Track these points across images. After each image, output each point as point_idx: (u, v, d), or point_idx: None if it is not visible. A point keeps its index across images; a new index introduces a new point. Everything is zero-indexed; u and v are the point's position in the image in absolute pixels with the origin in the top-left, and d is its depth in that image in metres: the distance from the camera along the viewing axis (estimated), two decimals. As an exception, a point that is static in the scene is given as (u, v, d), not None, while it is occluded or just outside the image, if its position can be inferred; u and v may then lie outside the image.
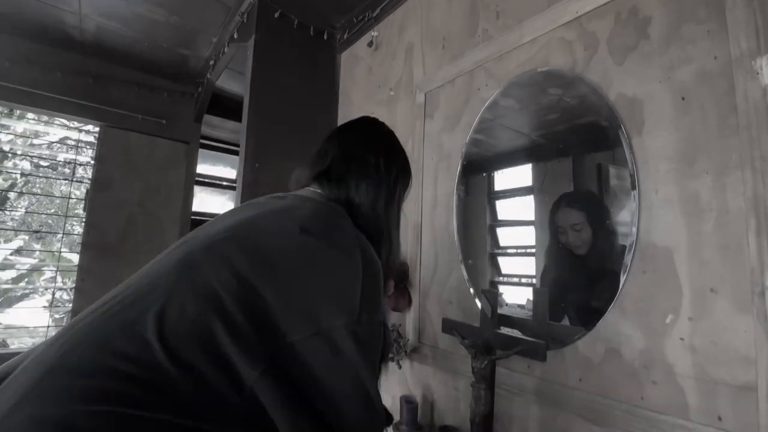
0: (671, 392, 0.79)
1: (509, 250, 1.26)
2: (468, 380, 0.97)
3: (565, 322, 0.99)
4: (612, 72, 0.95)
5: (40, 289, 4.60)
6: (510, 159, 1.23)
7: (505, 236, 1.26)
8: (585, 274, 0.97)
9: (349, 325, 0.52)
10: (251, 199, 0.74)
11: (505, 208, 1.27)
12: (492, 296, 0.98)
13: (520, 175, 1.19)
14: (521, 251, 1.21)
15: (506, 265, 1.25)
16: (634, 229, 0.87)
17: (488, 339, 0.96)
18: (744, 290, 0.72)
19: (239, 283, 0.49)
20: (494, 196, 1.27)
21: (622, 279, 0.87)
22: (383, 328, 0.62)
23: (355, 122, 0.88)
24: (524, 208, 1.17)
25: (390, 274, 0.76)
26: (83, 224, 2.47)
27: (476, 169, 1.31)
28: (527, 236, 1.15)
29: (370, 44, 1.83)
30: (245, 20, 1.91)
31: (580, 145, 1.03)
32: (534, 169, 1.15)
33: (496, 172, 1.28)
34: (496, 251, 1.26)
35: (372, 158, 0.76)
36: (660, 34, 0.88)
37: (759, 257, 0.70)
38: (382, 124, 0.88)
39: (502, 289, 1.22)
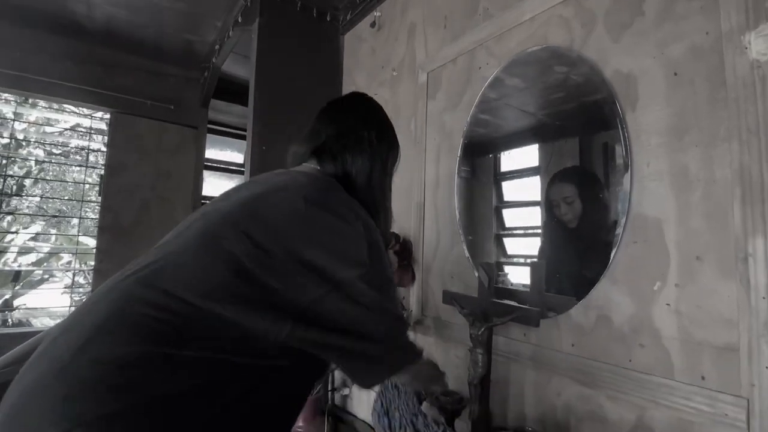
0: (658, 354, 0.83)
1: (516, 231, 1.29)
2: (467, 348, 1.03)
3: (560, 293, 1.04)
4: (608, 49, 0.97)
5: (58, 273, 4.76)
6: (516, 139, 1.25)
7: (511, 217, 1.29)
8: (576, 246, 1.02)
9: (363, 276, 0.61)
10: (258, 182, 0.80)
11: (511, 189, 1.29)
12: (489, 268, 1.03)
13: (527, 155, 1.21)
14: (528, 232, 1.23)
15: (512, 245, 1.29)
16: (626, 203, 0.90)
17: (485, 307, 1.01)
18: (728, 257, 0.75)
19: (258, 250, 0.56)
20: (500, 177, 1.30)
21: (614, 250, 0.91)
22: (393, 286, 0.70)
23: (346, 99, 0.93)
24: (531, 188, 1.18)
25: (386, 243, 0.82)
26: (99, 208, 2.55)
27: (482, 150, 1.33)
28: (533, 217, 1.17)
29: (372, 25, 1.84)
30: (249, 4, 1.93)
31: (586, 124, 1.04)
32: (540, 149, 1.16)
33: (502, 153, 1.30)
34: (502, 232, 1.29)
35: (365, 134, 0.80)
36: (655, 11, 0.90)
37: (743, 225, 0.73)
38: (372, 99, 0.91)
39: (507, 269, 1.26)
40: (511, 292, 1.15)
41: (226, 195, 0.70)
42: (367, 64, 1.93)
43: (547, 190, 1.08)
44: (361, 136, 0.80)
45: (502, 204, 1.31)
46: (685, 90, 0.84)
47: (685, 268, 0.81)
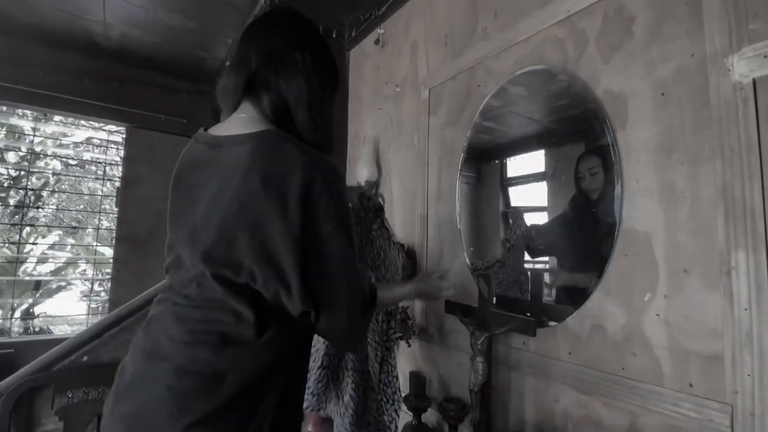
0: (649, 363, 0.87)
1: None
2: (469, 356, 1.08)
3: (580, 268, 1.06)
4: (599, 69, 1.02)
5: (75, 281, 4.90)
6: (522, 145, 1.28)
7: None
8: (595, 216, 1.04)
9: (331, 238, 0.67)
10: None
11: (517, 195, 1.32)
12: (488, 279, 1.08)
13: (533, 161, 1.24)
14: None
15: None
16: (618, 217, 0.94)
17: (485, 317, 1.06)
18: (713, 270, 0.79)
19: (255, 267, 0.64)
20: (507, 182, 1.34)
21: (607, 263, 0.95)
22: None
23: (274, 15, 0.80)
24: (537, 194, 1.21)
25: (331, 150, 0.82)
26: (116, 219, 2.65)
27: (488, 157, 1.37)
28: (541, 222, 1.20)
29: (377, 42, 1.91)
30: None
31: (590, 131, 1.06)
32: (547, 155, 1.20)
33: (508, 159, 1.33)
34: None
35: (298, 55, 0.72)
36: (643, 33, 0.94)
37: (726, 240, 0.77)
38: (302, 16, 0.79)
39: None
40: (511, 301, 1.20)
41: (191, 200, 0.70)
42: (372, 80, 2.00)
43: (577, 163, 1.10)
44: (293, 57, 0.71)
45: (509, 209, 1.35)
46: (672, 110, 0.88)
47: (674, 280, 0.85)
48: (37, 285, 4.15)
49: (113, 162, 2.98)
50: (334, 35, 2.11)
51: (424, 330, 1.47)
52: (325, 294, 0.67)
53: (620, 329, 0.92)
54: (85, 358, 1.47)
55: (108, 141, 3.01)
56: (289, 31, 0.75)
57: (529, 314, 1.10)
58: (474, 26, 1.41)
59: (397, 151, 1.77)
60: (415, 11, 1.73)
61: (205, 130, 0.77)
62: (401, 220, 1.72)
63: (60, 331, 3.84)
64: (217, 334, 0.63)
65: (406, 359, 1.58)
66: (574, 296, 1.03)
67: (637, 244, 0.91)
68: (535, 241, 1.21)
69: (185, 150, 0.79)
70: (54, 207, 5.29)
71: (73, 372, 1.44)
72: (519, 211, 1.28)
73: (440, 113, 1.52)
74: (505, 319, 1.02)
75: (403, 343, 1.47)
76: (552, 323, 1.06)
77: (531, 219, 1.26)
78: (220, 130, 0.74)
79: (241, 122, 0.71)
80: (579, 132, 1.09)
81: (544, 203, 1.18)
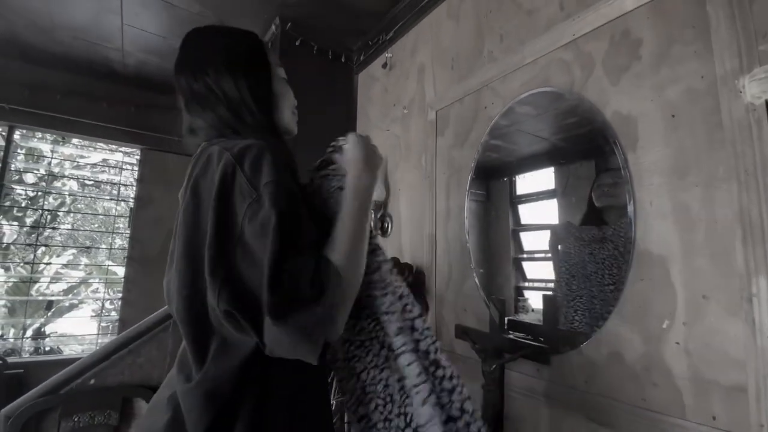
0: (670, 394, 0.83)
1: (536, 255, 1.29)
2: (480, 383, 1.04)
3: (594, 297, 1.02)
4: (608, 91, 1.01)
5: (86, 300, 4.94)
6: (531, 163, 1.28)
7: (530, 241, 1.30)
8: (608, 239, 1.01)
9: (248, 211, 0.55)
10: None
11: (527, 213, 1.31)
12: (499, 303, 1.06)
13: (543, 179, 1.23)
14: (548, 256, 1.22)
15: (531, 270, 1.30)
16: (631, 240, 0.92)
17: (497, 343, 1.03)
18: (733, 296, 0.76)
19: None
20: (516, 200, 1.33)
21: (623, 288, 0.93)
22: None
23: (179, 51, 0.73)
24: (547, 211, 1.20)
25: (292, 128, 0.78)
26: (128, 239, 2.68)
27: (497, 174, 1.36)
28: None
29: (384, 65, 1.94)
30: (269, 47, 2.06)
31: (600, 148, 1.05)
32: (556, 173, 1.19)
33: (517, 177, 1.32)
34: (521, 256, 1.31)
35: (194, 85, 0.68)
36: (651, 55, 0.94)
37: (746, 265, 0.75)
38: (194, 30, 0.74)
39: (527, 294, 1.26)
40: (525, 326, 1.16)
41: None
42: (380, 102, 2.02)
43: (596, 176, 1.08)
44: (197, 94, 0.68)
45: (520, 227, 1.33)
46: (684, 131, 0.86)
47: (692, 306, 0.82)
48: (50, 305, 4.19)
49: (127, 183, 3.05)
50: (343, 59, 2.15)
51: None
52: (256, 286, 0.52)
53: (639, 358, 0.89)
54: (92, 381, 1.46)
55: (123, 162, 3.08)
56: (183, 60, 0.72)
57: (542, 339, 1.06)
58: (480, 49, 1.42)
59: (405, 171, 1.77)
60: (422, 35, 1.76)
61: None
62: (409, 240, 1.71)
63: (70, 350, 3.85)
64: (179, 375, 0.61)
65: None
66: (590, 321, 1.00)
67: (653, 268, 0.88)
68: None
69: None
70: (69, 227, 5.40)
71: (80, 395, 1.43)
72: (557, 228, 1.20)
73: (447, 134, 1.53)
74: (518, 345, 0.99)
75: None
76: (567, 349, 1.03)
77: (540, 237, 1.24)
78: None
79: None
80: (588, 151, 1.08)
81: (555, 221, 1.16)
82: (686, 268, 0.83)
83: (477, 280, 1.31)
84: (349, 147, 0.71)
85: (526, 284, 1.29)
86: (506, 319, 1.11)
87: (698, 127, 0.84)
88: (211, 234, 0.55)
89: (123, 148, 3.02)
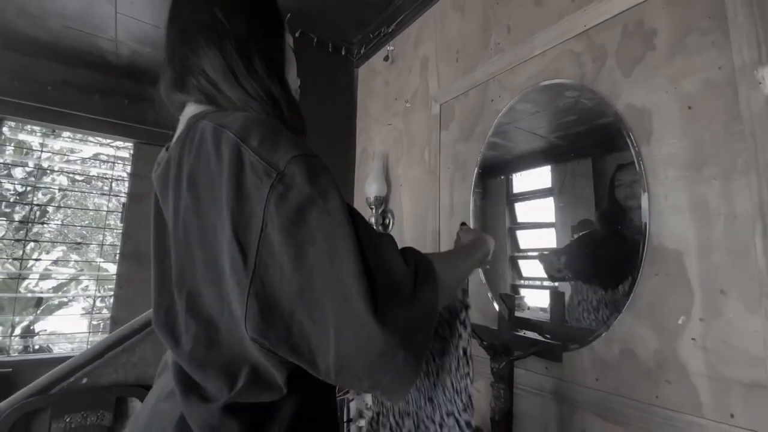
0: (685, 391, 0.81)
1: (530, 253, 1.28)
2: (489, 382, 1.02)
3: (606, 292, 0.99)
4: (620, 83, 0.99)
5: (77, 298, 4.85)
6: (528, 161, 1.26)
7: (526, 239, 1.29)
8: (621, 233, 0.99)
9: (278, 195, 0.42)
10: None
11: (524, 211, 1.29)
12: (509, 300, 1.03)
13: (540, 177, 1.22)
14: (544, 254, 1.20)
15: (527, 268, 1.29)
16: (645, 234, 0.90)
17: (506, 341, 1.00)
18: (753, 291, 0.74)
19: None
20: (513, 198, 1.31)
21: (635, 283, 0.90)
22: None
23: None
24: (544, 210, 1.18)
25: (300, 124, 0.66)
26: (121, 235, 2.62)
27: (494, 173, 1.34)
28: (548, 239, 1.16)
29: (386, 58, 1.90)
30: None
31: (599, 146, 1.05)
32: (553, 171, 1.18)
33: (514, 175, 1.30)
34: (517, 254, 1.29)
35: (205, 17, 0.56)
36: (666, 45, 0.92)
37: (766, 260, 0.73)
38: None
39: (523, 292, 1.24)
40: (532, 323, 1.14)
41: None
42: (381, 96, 1.99)
43: (615, 171, 1.02)
44: (202, 24, 0.56)
45: (516, 225, 1.31)
46: (701, 123, 0.84)
47: (710, 302, 0.80)
48: (39, 302, 4.10)
49: (120, 178, 2.97)
50: (343, 52, 2.11)
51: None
52: (295, 292, 0.40)
53: (652, 354, 0.87)
54: (85, 381, 1.41)
55: (115, 157, 3.01)
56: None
57: (548, 336, 1.04)
58: (486, 41, 1.40)
59: (407, 166, 1.74)
60: (425, 28, 1.73)
61: (167, 149, 0.62)
62: (412, 236, 1.68)
63: (60, 349, 3.77)
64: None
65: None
66: (600, 318, 0.98)
67: (668, 263, 0.86)
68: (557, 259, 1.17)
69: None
70: (59, 222, 5.29)
71: (72, 395, 1.38)
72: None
73: (452, 128, 1.50)
74: (528, 343, 0.97)
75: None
76: (576, 347, 1.01)
77: (539, 235, 1.22)
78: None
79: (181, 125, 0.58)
80: (596, 147, 1.06)
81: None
82: (703, 263, 0.81)
83: (482, 276, 1.29)
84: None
85: (523, 282, 1.27)
86: (514, 315, 1.09)
87: (716, 119, 0.82)
88: (230, 239, 0.42)
89: (116, 142, 2.95)
